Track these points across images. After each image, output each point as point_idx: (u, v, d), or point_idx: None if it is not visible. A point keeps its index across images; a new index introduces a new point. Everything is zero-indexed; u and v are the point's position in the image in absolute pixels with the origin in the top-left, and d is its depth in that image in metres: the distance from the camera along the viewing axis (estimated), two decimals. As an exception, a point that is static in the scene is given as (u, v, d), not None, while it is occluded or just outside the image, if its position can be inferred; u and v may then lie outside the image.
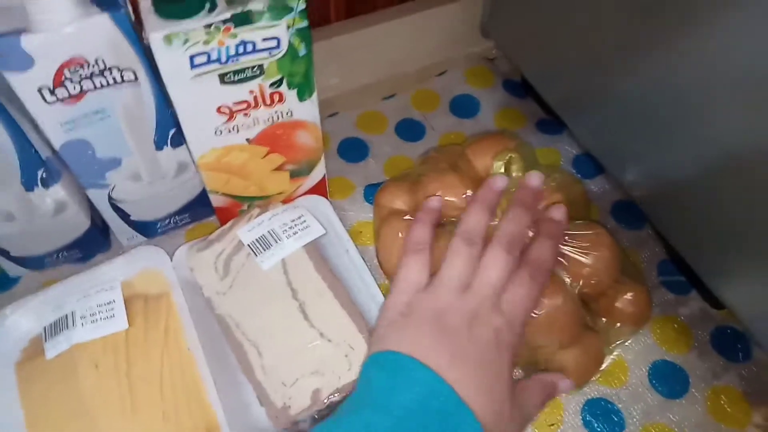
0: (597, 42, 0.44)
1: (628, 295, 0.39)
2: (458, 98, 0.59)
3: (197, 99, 0.36)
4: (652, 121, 0.41)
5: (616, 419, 0.41)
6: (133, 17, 0.34)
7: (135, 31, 0.33)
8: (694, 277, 0.45)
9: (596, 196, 0.52)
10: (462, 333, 0.34)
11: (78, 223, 0.44)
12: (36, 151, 0.38)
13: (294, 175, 0.46)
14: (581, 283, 0.38)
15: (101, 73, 0.34)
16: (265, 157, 0.43)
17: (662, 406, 0.41)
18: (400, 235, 0.43)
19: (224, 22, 0.33)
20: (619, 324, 0.39)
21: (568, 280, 0.38)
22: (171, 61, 0.33)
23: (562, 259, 0.38)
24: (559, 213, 0.39)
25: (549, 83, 0.53)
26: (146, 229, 0.48)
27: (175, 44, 0.33)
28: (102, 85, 0.35)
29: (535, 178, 0.40)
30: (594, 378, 0.41)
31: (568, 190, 0.42)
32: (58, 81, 0.33)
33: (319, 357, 0.39)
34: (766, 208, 0.35)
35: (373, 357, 0.35)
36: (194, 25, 0.32)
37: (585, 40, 0.45)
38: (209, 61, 0.34)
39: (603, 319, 0.39)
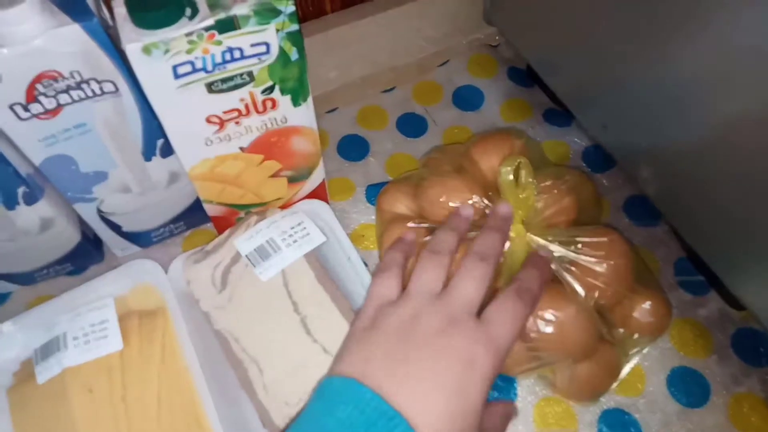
0: (606, 26, 0.41)
1: (646, 305, 0.37)
2: (461, 89, 0.57)
3: (184, 110, 0.34)
4: (666, 111, 0.39)
5: (633, 431, 0.39)
6: (111, 23, 0.32)
7: (112, 41, 0.31)
8: (712, 276, 0.43)
9: (608, 191, 0.50)
10: (430, 344, 0.30)
11: (67, 238, 0.43)
12: (14, 169, 0.35)
13: (292, 180, 0.44)
14: (596, 294, 0.36)
15: (78, 85, 0.32)
16: (260, 164, 0.41)
17: (681, 415, 0.40)
18: (403, 242, 0.40)
19: (207, 29, 0.30)
20: (636, 335, 0.37)
21: (581, 290, 0.36)
22: (152, 72, 0.31)
23: (574, 269, 0.36)
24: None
25: (555, 71, 0.51)
26: (140, 240, 0.46)
27: (155, 54, 0.30)
28: (80, 98, 0.33)
29: (504, 208, 0.38)
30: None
31: (580, 190, 0.40)
32: (31, 96, 0.31)
33: (323, 375, 0.38)
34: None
35: (322, 382, 0.31)
36: (175, 33, 0.30)
37: (593, 25, 0.42)
38: (194, 71, 0.32)
39: (620, 329, 0.37)
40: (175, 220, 0.46)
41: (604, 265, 0.36)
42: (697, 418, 0.40)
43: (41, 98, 0.31)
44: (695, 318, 0.44)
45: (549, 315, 0.35)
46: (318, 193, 0.47)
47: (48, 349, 0.38)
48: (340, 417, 0.27)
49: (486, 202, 0.39)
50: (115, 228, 0.44)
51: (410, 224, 0.41)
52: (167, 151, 0.39)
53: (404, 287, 0.35)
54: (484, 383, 0.29)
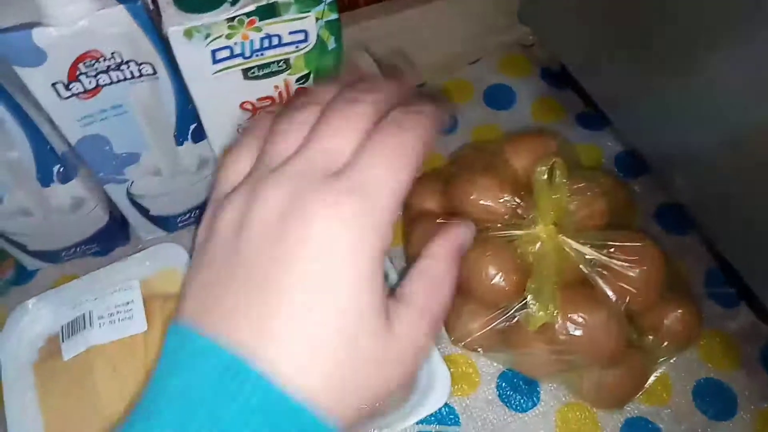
0: (646, 29, 0.40)
1: (677, 313, 0.36)
2: (492, 88, 0.56)
3: (219, 95, 0.34)
4: (705, 118, 0.38)
5: (656, 441, 0.38)
6: (151, 7, 0.32)
7: (153, 24, 0.31)
8: (744, 288, 0.42)
9: (639, 198, 0.49)
10: (262, 253, 0.20)
11: (96, 218, 0.43)
12: (52, 147, 0.36)
13: (319, 171, 0.44)
14: (627, 299, 0.35)
15: (118, 67, 0.32)
16: (289, 153, 0.41)
17: (707, 428, 0.39)
18: (431, 239, 0.40)
19: (248, 14, 0.30)
20: (666, 343, 0.36)
21: (612, 295, 0.35)
22: (191, 56, 0.31)
23: (606, 272, 0.35)
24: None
25: (591, 73, 0.50)
26: (166, 224, 0.46)
27: (195, 39, 0.30)
28: (119, 80, 0.33)
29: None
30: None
31: (613, 195, 0.39)
32: (73, 75, 0.31)
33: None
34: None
35: (171, 331, 0.22)
36: (216, 18, 0.30)
37: (632, 27, 0.41)
38: (232, 56, 0.32)
39: (649, 336, 0.36)
40: (202, 205, 0.46)
41: (637, 270, 0.35)
42: (722, 431, 0.39)
43: (82, 78, 0.31)
44: (724, 330, 0.43)
45: (579, 318, 0.34)
46: (345, 186, 0.46)
47: (74, 327, 0.38)
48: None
49: (517, 201, 0.38)
50: (143, 211, 0.44)
51: (439, 220, 0.40)
52: (199, 136, 0.39)
53: None
54: (365, 266, 0.20)
